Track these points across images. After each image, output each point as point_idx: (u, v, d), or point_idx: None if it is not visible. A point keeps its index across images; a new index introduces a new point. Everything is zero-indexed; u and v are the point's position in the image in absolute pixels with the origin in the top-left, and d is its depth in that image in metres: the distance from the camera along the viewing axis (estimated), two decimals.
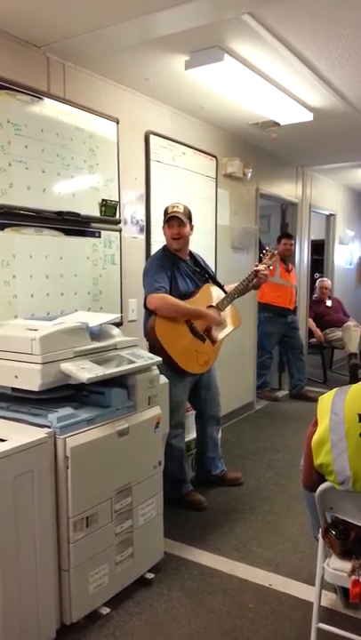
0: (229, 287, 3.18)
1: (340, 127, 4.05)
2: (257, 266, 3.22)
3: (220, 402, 3.32)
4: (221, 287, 3.16)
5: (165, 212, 3.00)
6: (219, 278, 3.27)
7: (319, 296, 6.44)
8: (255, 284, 3.19)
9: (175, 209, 2.94)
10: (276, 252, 3.38)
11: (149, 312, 2.84)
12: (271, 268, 3.27)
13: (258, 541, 2.68)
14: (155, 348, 2.79)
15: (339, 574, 1.71)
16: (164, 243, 3.05)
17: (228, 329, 3.15)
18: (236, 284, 3.18)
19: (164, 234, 3.00)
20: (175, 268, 2.95)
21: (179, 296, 2.88)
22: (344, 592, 1.98)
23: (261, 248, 4.94)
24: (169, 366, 2.77)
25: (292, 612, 2.14)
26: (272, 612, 2.14)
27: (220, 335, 3.08)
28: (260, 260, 3.35)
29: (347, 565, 1.70)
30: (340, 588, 2.01)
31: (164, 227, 2.99)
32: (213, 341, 3.02)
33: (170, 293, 2.85)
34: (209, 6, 2.19)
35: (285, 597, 2.23)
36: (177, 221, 2.92)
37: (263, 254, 3.36)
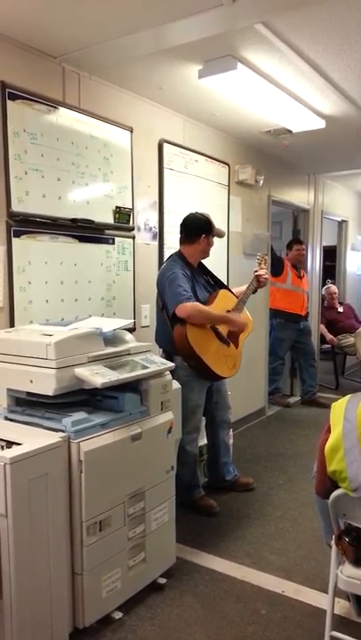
0: (236, 290, 3.23)
1: (353, 134, 4.06)
2: (257, 271, 3.25)
3: (230, 405, 3.33)
4: (230, 291, 3.19)
5: (212, 224, 3.02)
6: (231, 284, 3.28)
7: (329, 302, 6.43)
8: (255, 287, 3.25)
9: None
10: (265, 256, 3.43)
11: (175, 320, 2.81)
12: (265, 269, 3.32)
13: (270, 547, 2.68)
14: (186, 354, 2.78)
15: (352, 582, 1.71)
16: (176, 249, 3.08)
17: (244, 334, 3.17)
18: (243, 288, 3.22)
19: (200, 244, 3.01)
20: (193, 276, 2.98)
21: None
22: (357, 600, 1.97)
23: (273, 255, 4.95)
24: (189, 371, 2.81)
25: (304, 619, 2.13)
26: (284, 619, 2.13)
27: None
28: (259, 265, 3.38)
29: (360, 573, 1.70)
30: (353, 596, 1.99)
31: (209, 237, 3.02)
32: (236, 344, 3.05)
33: None
34: (222, 16, 2.21)
35: (298, 604, 2.23)
36: None
37: (257, 261, 3.37)
